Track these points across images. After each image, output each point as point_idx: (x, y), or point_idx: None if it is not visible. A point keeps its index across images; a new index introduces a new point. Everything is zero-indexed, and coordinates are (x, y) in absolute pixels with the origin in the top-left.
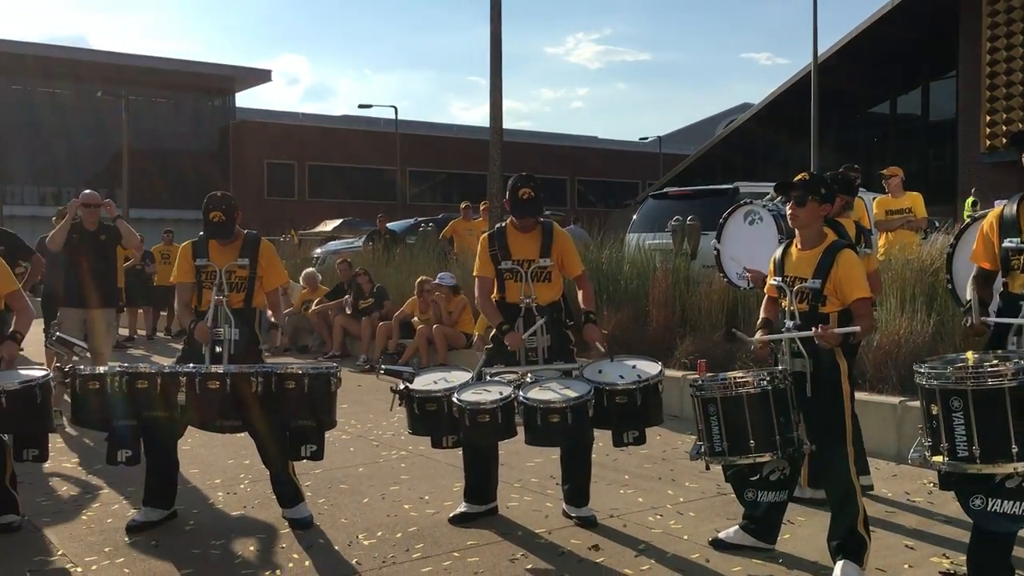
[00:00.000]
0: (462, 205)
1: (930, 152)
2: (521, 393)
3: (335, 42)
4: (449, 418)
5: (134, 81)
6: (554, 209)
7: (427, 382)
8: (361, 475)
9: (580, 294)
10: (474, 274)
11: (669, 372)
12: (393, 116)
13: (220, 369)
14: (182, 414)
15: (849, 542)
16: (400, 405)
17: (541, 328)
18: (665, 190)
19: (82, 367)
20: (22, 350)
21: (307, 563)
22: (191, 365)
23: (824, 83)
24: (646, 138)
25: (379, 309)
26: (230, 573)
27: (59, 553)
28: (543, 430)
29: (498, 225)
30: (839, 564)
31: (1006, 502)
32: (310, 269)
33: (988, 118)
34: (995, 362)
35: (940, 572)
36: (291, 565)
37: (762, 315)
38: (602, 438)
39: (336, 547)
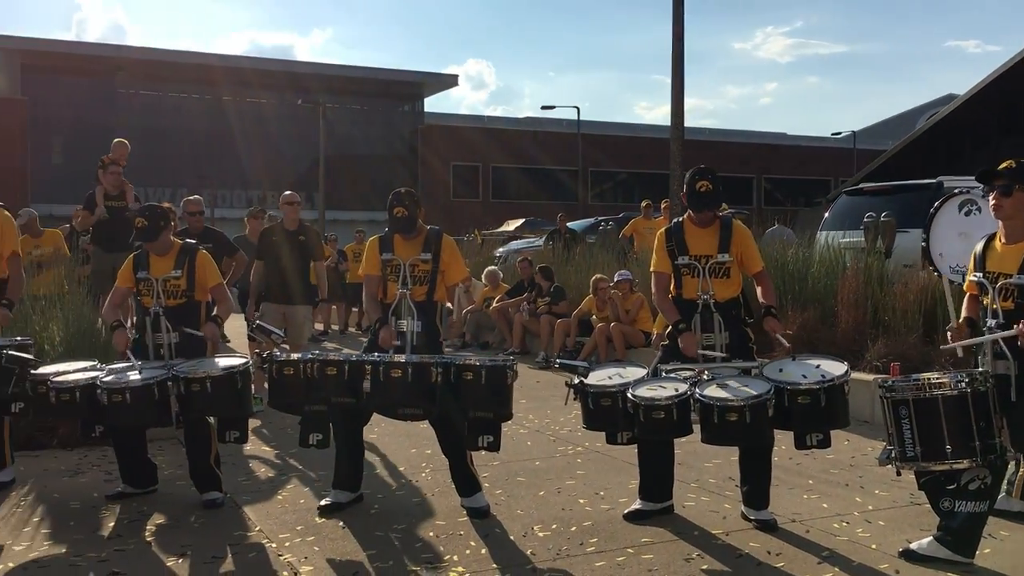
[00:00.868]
0: (643, 204)
1: None
2: (697, 390)
3: (519, 46)
4: (624, 414)
5: (330, 90)
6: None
7: (602, 377)
8: (538, 469)
9: (760, 290)
10: (651, 270)
11: (859, 375)
12: (575, 117)
13: (403, 359)
14: (367, 400)
15: None
16: (575, 399)
17: (719, 325)
18: (860, 186)
19: (278, 354)
20: (228, 341)
21: (483, 551)
22: (376, 355)
23: None
24: (839, 133)
25: (557, 307)
26: (411, 556)
27: (256, 529)
28: (719, 429)
29: (676, 220)
30: None
31: (970, 503)
32: (492, 267)
33: None
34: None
35: None
36: (468, 552)
37: (963, 314)
38: (784, 440)
39: (511, 537)
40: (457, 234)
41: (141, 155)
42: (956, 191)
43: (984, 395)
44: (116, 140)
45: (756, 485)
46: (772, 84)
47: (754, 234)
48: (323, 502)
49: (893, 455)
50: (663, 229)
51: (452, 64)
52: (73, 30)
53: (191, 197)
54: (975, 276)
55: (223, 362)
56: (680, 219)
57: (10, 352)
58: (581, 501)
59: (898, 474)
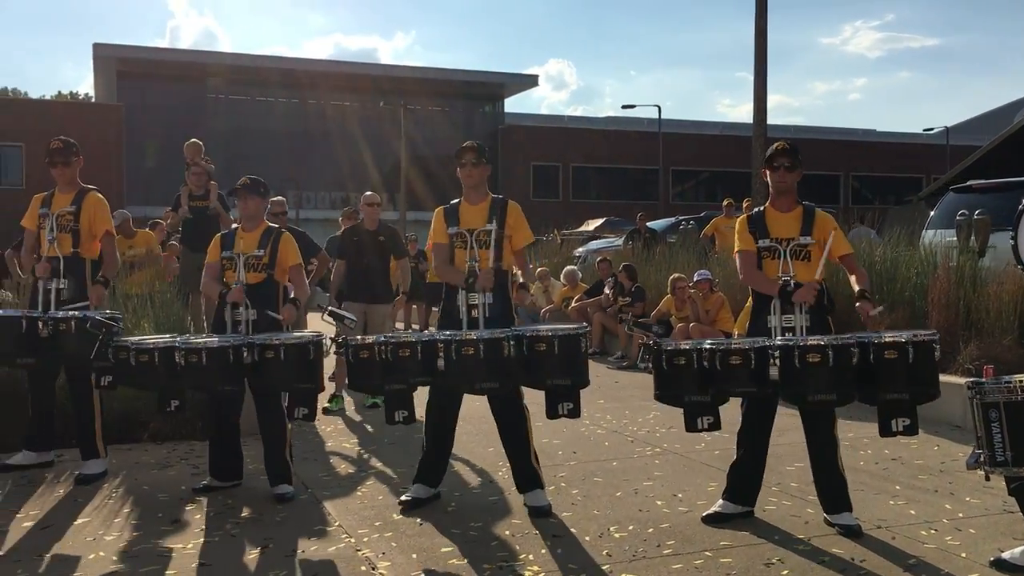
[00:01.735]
0: (724, 202)
1: None
2: (777, 339)
3: (599, 45)
4: (699, 376)
5: (412, 91)
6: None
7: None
8: (615, 469)
9: (852, 277)
10: (735, 251)
11: (951, 378)
12: (656, 116)
13: (474, 335)
14: (442, 379)
15: None
16: (648, 361)
17: (800, 307)
18: (969, 183)
19: (353, 338)
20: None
21: (559, 551)
22: (448, 332)
23: None
24: (931, 129)
25: (633, 308)
26: (487, 555)
27: (336, 524)
28: (801, 376)
29: (757, 208)
30: None
31: None
32: (571, 267)
33: None
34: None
35: None
36: (543, 552)
37: None
38: (871, 444)
39: (587, 537)
40: (536, 234)
41: (229, 157)
42: None
43: None
44: (188, 141)
45: (829, 485)
46: (861, 80)
47: None
48: (403, 497)
49: (982, 459)
50: (744, 216)
51: (533, 64)
52: (167, 37)
53: (275, 198)
54: None
55: (297, 333)
56: (762, 207)
57: (96, 318)
58: (658, 503)
59: (987, 479)
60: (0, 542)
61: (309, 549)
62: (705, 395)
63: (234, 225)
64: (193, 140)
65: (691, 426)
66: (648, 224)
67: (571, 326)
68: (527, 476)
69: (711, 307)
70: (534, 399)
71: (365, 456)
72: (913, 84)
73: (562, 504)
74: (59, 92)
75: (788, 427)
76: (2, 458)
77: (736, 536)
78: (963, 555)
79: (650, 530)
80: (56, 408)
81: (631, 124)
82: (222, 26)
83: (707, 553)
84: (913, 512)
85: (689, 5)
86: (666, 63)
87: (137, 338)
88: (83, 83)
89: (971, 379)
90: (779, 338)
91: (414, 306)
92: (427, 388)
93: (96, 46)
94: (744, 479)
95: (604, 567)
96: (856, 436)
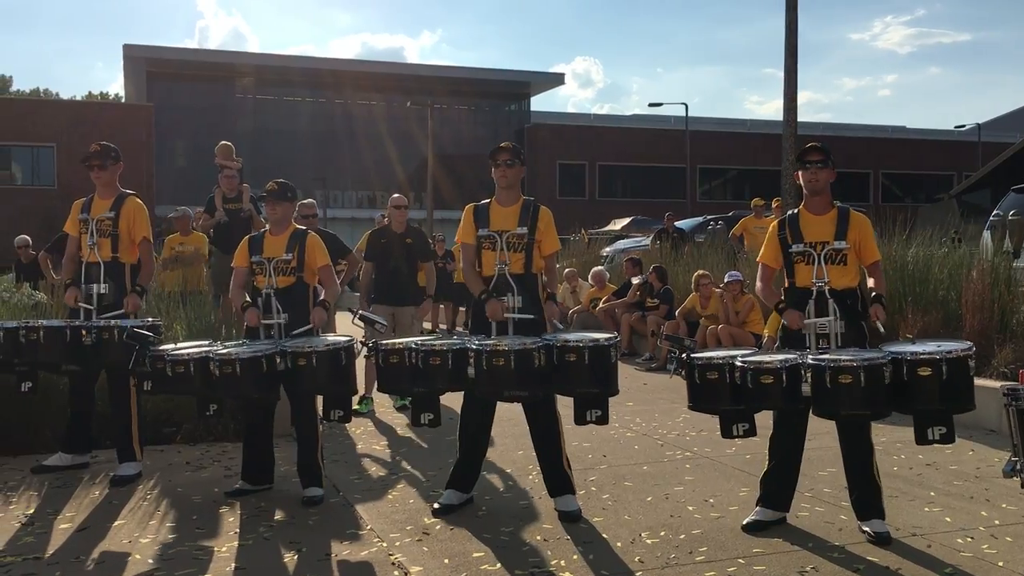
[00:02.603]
0: (753, 202)
1: None
2: (809, 357)
3: (626, 43)
4: (731, 389)
5: (438, 91)
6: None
7: (708, 352)
8: (645, 473)
9: (871, 280)
10: (757, 260)
11: (986, 382)
12: (683, 114)
13: (504, 346)
14: (473, 387)
15: None
16: (680, 374)
17: (835, 312)
18: None
19: (383, 343)
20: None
21: (591, 556)
22: (478, 340)
23: None
24: (963, 126)
25: (657, 310)
26: (518, 559)
27: (368, 528)
28: (832, 395)
29: (791, 211)
30: None
31: None
32: (598, 267)
33: None
34: None
35: None
36: (575, 557)
37: None
38: (904, 449)
39: (619, 543)
40: (563, 233)
41: (257, 157)
42: None
43: None
44: (219, 144)
45: (863, 492)
46: (891, 76)
47: None
48: (436, 505)
49: (1019, 467)
50: (777, 219)
51: (559, 63)
52: (196, 38)
53: (305, 201)
54: None
55: (329, 339)
56: (795, 210)
57: (134, 329)
58: (690, 508)
59: (1023, 486)
60: (43, 546)
61: (342, 553)
62: (739, 404)
63: (263, 228)
64: (224, 142)
65: (727, 433)
66: (676, 223)
67: (601, 335)
68: (559, 481)
69: (741, 309)
70: (563, 404)
71: (396, 459)
72: (944, 80)
73: (593, 509)
74: (90, 93)
75: (820, 431)
76: (39, 459)
77: (769, 543)
78: (1000, 564)
79: (682, 536)
80: (94, 411)
81: (658, 122)
82: (250, 26)
83: (740, 560)
84: (949, 519)
85: (716, 1)
86: (693, 60)
87: (172, 346)
88: (113, 84)
89: (1007, 384)
90: (811, 355)
91: (441, 306)
92: (456, 392)
93: (126, 47)
94: (778, 486)
95: (637, 574)
96: (889, 440)
